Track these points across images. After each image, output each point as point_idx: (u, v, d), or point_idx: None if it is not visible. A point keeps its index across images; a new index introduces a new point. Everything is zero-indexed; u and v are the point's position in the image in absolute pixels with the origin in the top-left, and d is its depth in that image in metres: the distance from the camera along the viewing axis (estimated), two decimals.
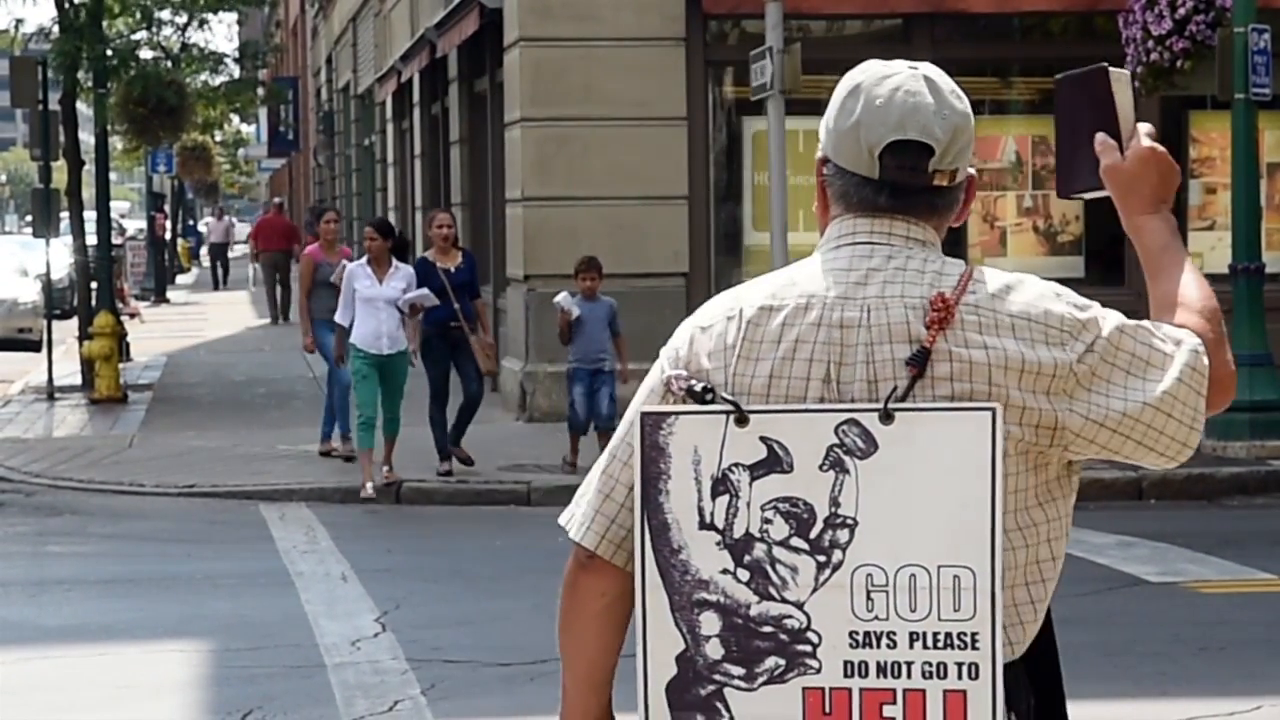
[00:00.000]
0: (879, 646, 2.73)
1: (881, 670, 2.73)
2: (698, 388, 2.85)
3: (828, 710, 2.75)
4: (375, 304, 14.72)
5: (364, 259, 15.12)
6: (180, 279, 52.95)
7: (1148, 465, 2.94)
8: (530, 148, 18.56)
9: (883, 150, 2.90)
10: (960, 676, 2.72)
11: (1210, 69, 15.43)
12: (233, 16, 37.46)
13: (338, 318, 15.10)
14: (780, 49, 15.61)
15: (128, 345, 25.01)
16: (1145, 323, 2.95)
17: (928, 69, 2.97)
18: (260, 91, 31.28)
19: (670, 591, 2.80)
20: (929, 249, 2.94)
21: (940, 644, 2.72)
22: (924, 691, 2.72)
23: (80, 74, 22.70)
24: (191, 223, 66.20)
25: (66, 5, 22.37)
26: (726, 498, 2.78)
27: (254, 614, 10.51)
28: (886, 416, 2.74)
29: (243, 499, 14.92)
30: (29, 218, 28.74)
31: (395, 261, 14.99)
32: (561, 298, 15.10)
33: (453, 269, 15.36)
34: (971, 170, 3.02)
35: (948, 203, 2.98)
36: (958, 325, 2.82)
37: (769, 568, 2.76)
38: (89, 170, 27.00)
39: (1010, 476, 2.81)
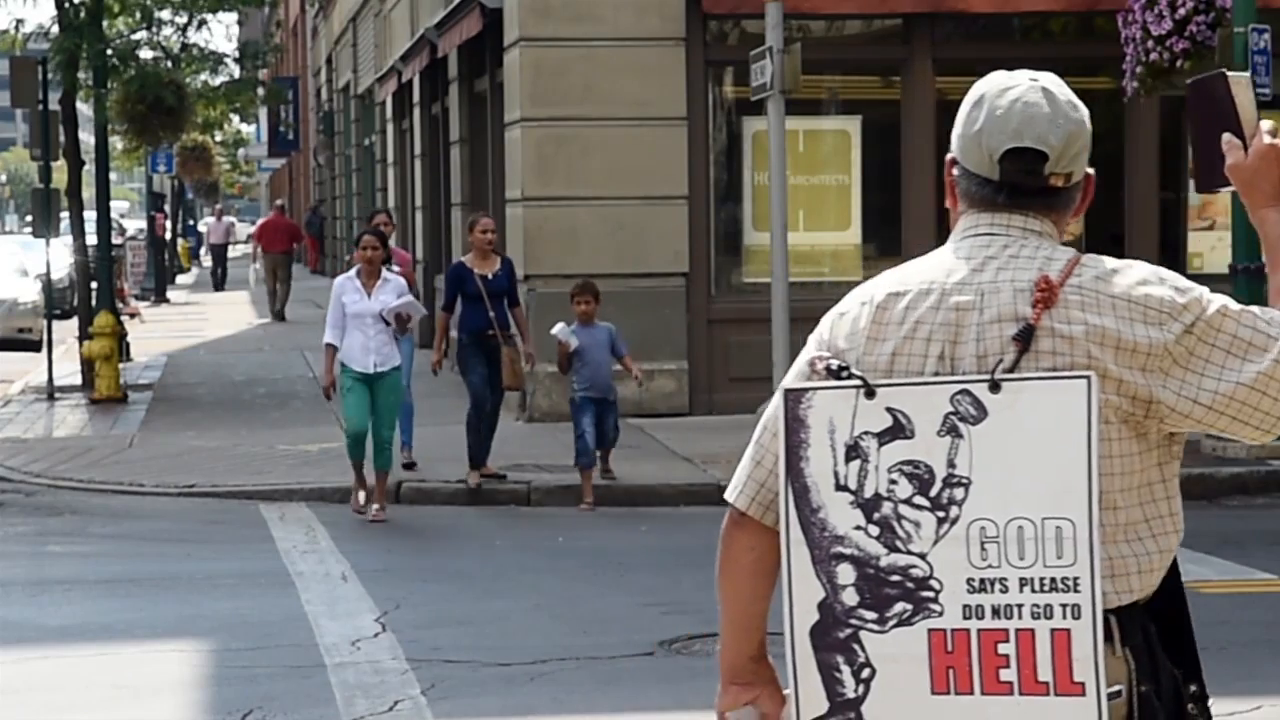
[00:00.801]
0: (993, 591, 3.06)
1: (996, 612, 3.06)
2: (834, 366, 3.20)
3: (950, 649, 3.08)
4: (364, 319, 13.84)
5: (353, 271, 14.14)
6: (180, 279, 52.91)
7: (1241, 438, 3.20)
8: (530, 148, 18.57)
9: (1002, 155, 3.21)
10: (1064, 617, 3.03)
11: (1210, 69, 15.41)
12: (233, 16, 37.47)
13: (328, 338, 14.01)
14: (780, 49, 15.61)
15: (128, 345, 25.00)
16: (1252, 308, 3.16)
17: (1047, 80, 3.27)
18: (260, 91, 31.25)
19: (811, 546, 3.16)
20: (1044, 239, 3.23)
21: (1046, 588, 3.03)
22: (1033, 631, 3.04)
23: (80, 72, 22.65)
24: (191, 223, 66.16)
25: (66, 4, 22.35)
26: (858, 462, 3.13)
27: (254, 614, 10.51)
28: (995, 386, 3.07)
29: (243, 499, 14.91)
30: (29, 218, 28.73)
31: (384, 272, 14.11)
32: (559, 329, 14.46)
33: (490, 275, 14.72)
34: (1089, 170, 3.30)
35: (1064, 201, 3.27)
36: (1061, 305, 3.12)
37: (895, 523, 3.11)
38: (89, 170, 27.00)
39: (1113, 442, 3.11)
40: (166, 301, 42.20)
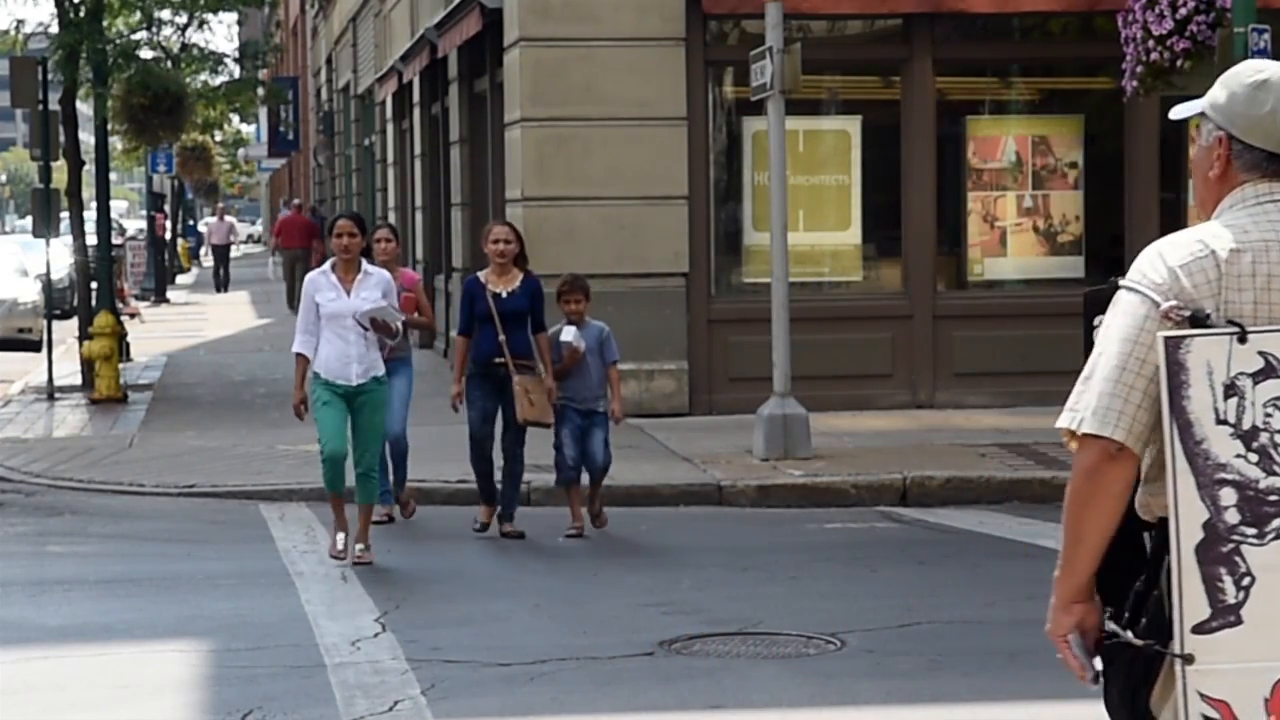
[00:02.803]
0: None
1: None
2: (1201, 315, 3.69)
3: None
4: (343, 321, 11.79)
5: (328, 264, 12.07)
6: (180, 279, 52.86)
7: None
8: (530, 148, 18.56)
9: None
10: None
11: (1210, 69, 15.41)
12: (233, 16, 37.49)
13: (297, 346, 12.05)
14: (780, 49, 15.60)
15: (128, 345, 25.01)
16: None
17: None
18: (260, 91, 31.27)
19: (1196, 474, 3.64)
20: None
21: None
22: None
23: (81, 65, 22.60)
24: (191, 223, 66.12)
25: (66, 3, 22.35)
26: (1235, 399, 3.63)
27: (254, 614, 10.51)
28: None
29: (243, 499, 14.91)
30: (29, 217, 28.74)
31: (365, 265, 12.01)
32: (570, 334, 12.94)
33: (504, 293, 12.75)
34: None
35: None
36: None
37: (1273, 451, 3.63)
38: (89, 170, 27.00)
39: None
40: (166, 302, 42.22)
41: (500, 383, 12.74)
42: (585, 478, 13.22)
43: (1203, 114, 3.98)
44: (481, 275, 13.04)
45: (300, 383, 12.00)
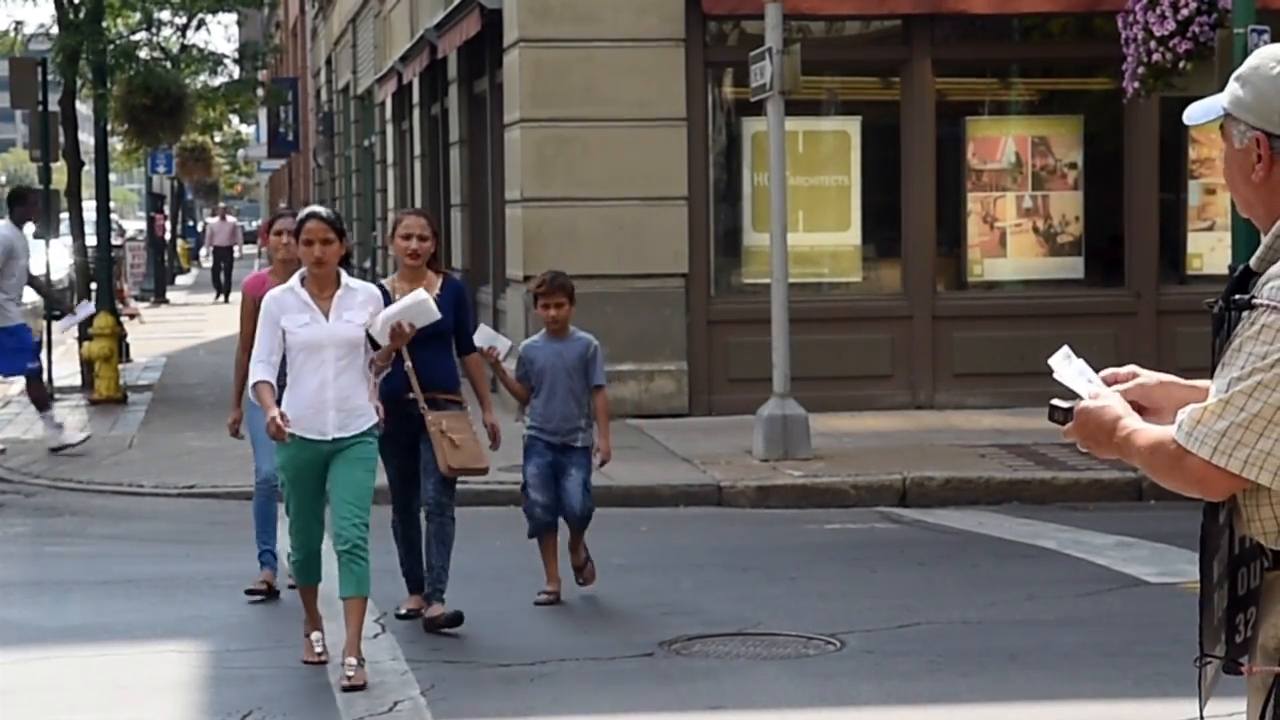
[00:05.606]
0: None
1: None
2: None
3: None
4: (320, 353, 8.87)
5: (295, 278, 9.07)
6: (180, 280, 52.79)
7: None
8: (530, 148, 18.57)
9: None
10: None
11: (1210, 70, 15.41)
12: (232, 17, 37.50)
13: (259, 375, 8.86)
14: (780, 49, 15.61)
15: (127, 346, 25.02)
16: None
17: None
18: (260, 92, 31.28)
19: None
20: None
21: None
22: None
23: (81, 65, 22.61)
24: (191, 223, 66.09)
25: (66, 3, 22.37)
26: None
27: (254, 615, 10.52)
28: None
29: (243, 499, 14.88)
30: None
31: (345, 278, 9.03)
32: (483, 336, 10.20)
33: None
34: None
35: None
36: None
37: None
38: (89, 171, 27.00)
39: None
40: (166, 302, 42.21)
41: (420, 423, 9.86)
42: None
43: (1229, 115, 3.70)
44: (387, 281, 10.10)
45: (271, 403, 8.78)
